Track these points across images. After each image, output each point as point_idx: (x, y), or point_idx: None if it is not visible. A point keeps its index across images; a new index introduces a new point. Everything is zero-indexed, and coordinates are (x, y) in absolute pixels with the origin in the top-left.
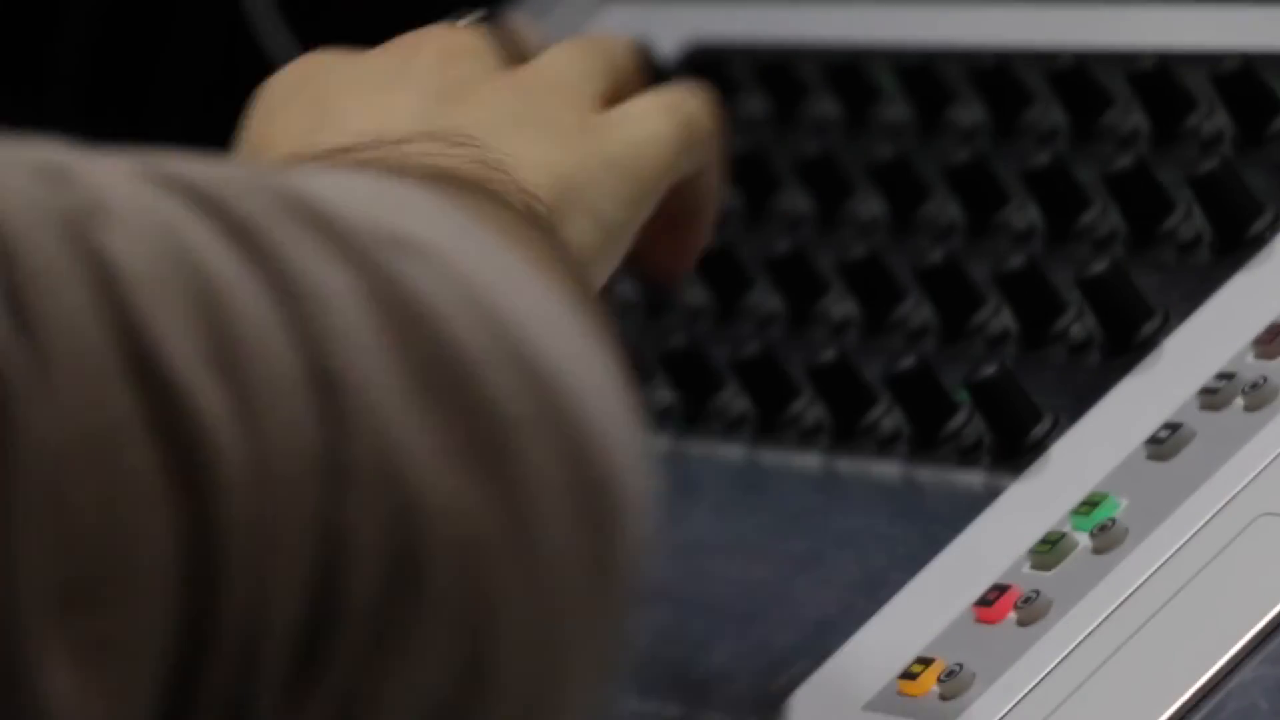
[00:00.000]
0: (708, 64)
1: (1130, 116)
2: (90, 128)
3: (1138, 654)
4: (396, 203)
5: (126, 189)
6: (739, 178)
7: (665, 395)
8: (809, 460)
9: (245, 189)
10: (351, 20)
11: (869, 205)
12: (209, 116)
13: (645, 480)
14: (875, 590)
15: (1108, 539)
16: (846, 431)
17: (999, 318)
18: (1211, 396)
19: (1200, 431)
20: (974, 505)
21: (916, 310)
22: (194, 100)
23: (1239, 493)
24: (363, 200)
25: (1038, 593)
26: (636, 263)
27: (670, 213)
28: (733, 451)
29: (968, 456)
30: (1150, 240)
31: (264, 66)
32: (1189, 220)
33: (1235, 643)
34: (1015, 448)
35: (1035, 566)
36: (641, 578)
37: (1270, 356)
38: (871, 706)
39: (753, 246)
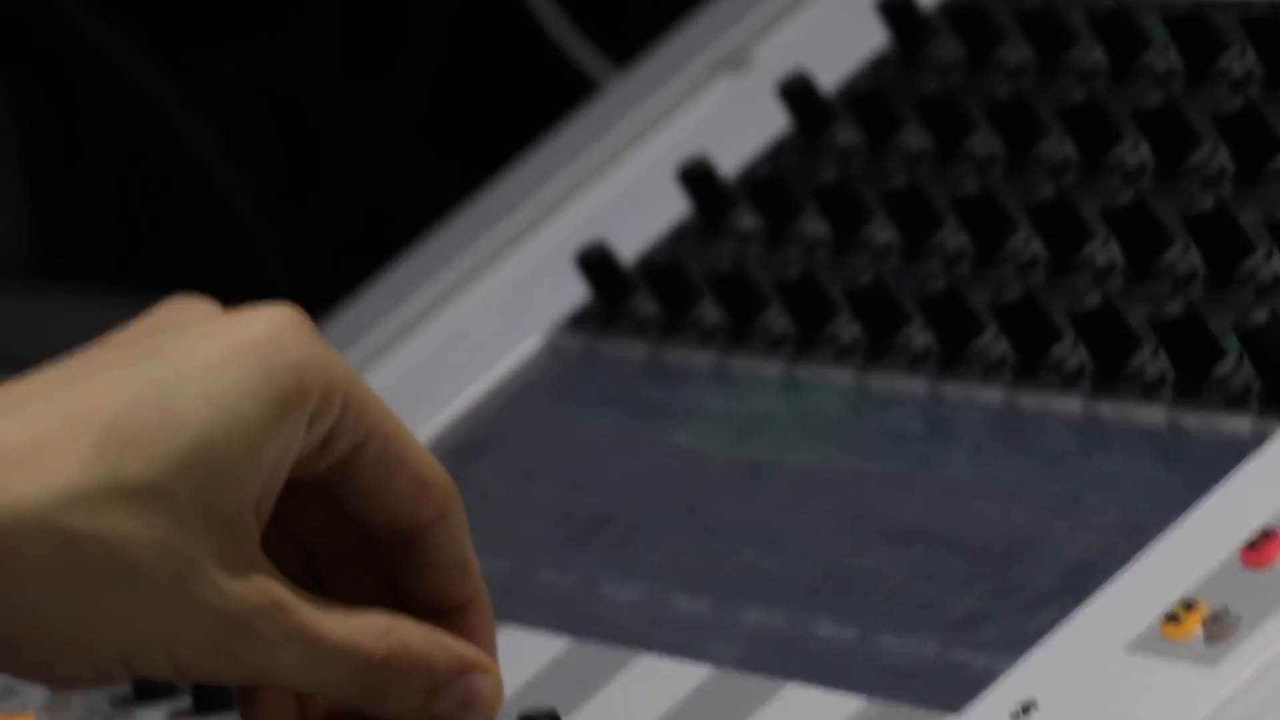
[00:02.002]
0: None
1: None
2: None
3: None
4: None
5: None
6: (1003, 125)
7: (923, 338)
8: (1070, 404)
9: None
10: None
11: (1137, 153)
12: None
13: None
14: (1137, 534)
15: None
16: (1110, 376)
17: (1270, 265)
18: None
19: None
20: (1240, 451)
21: (1184, 257)
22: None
23: None
24: None
25: None
26: None
27: None
28: (992, 394)
29: (1235, 402)
30: None
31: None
32: None
33: None
34: None
35: None
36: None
37: None
38: (1133, 648)
39: (1016, 191)
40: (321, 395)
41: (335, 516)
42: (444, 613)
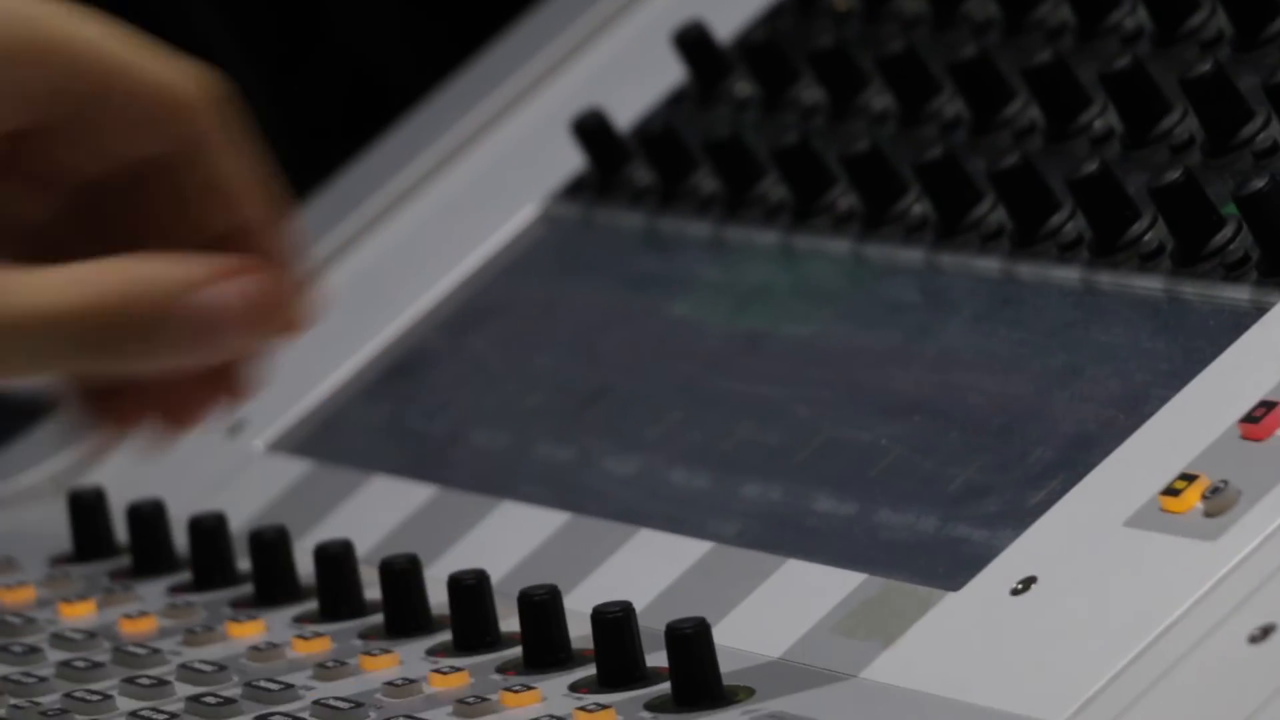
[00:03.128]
0: None
1: None
2: None
3: None
4: None
5: None
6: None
7: (920, 207)
8: (1068, 274)
9: None
10: None
11: (1134, 17)
12: None
13: None
14: (1136, 406)
15: None
16: (1108, 246)
17: (1268, 131)
18: None
19: None
20: (1240, 321)
21: (1182, 123)
22: None
23: None
24: None
25: None
26: None
27: None
28: (989, 264)
29: (1234, 271)
30: None
31: None
32: None
33: None
34: None
35: None
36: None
37: None
38: (1132, 523)
39: (1013, 56)
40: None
41: (88, 157)
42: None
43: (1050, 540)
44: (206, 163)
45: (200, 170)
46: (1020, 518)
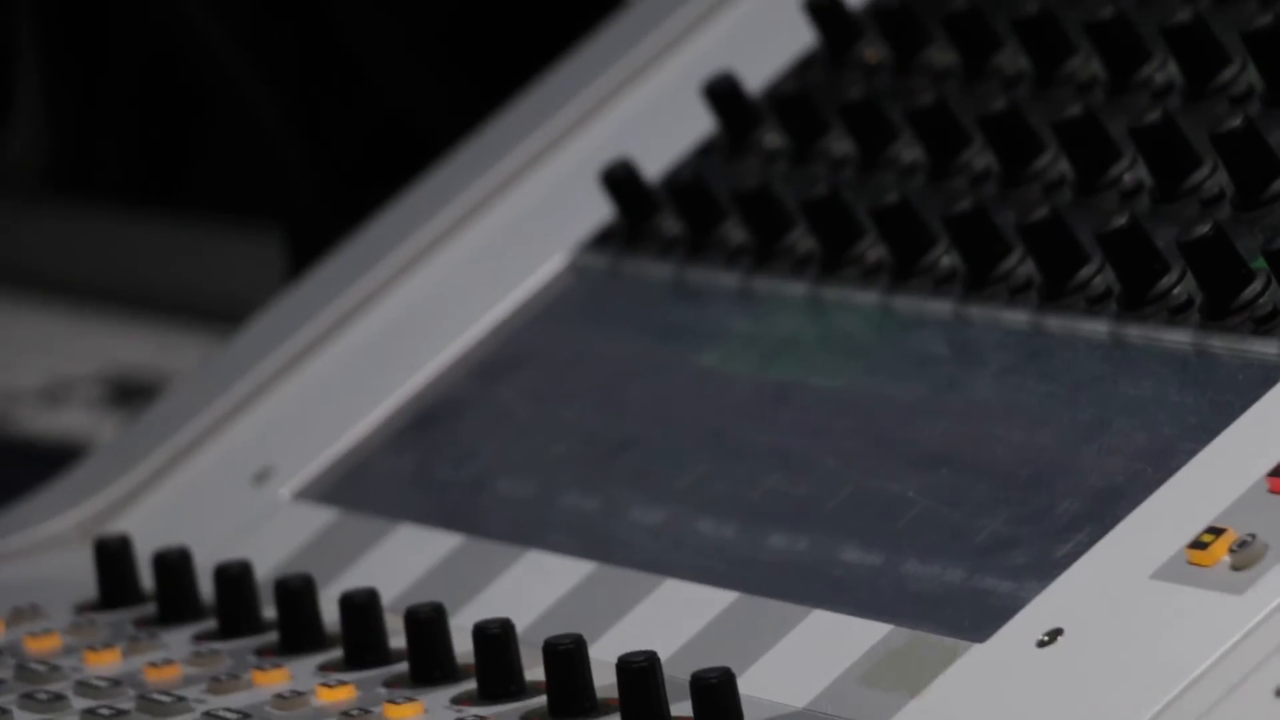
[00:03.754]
0: None
1: None
2: None
3: None
4: None
5: None
6: (1031, 43)
7: (949, 259)
8: (1097, 328)
9: None
10: None
11: (1165, 72)
12: None
13: None
14: (1164, 459)
15: None
16: (1136, 300)
17: None
18: None
19: None
20: (1268, 375)
21: (1212, 177)
22: None
23: None
24: None
25: None
26: None
27: None
28: (1018, 317)
29: (1263, 325)
30: None
31: None
32: None
33: None
34: None
35: None
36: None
37: None
38: (1159, 575)
39: (1043, 109)
40: None
41: None
42: None
43: (1077, 592)
44: None
45: None
46: (1047, 570)
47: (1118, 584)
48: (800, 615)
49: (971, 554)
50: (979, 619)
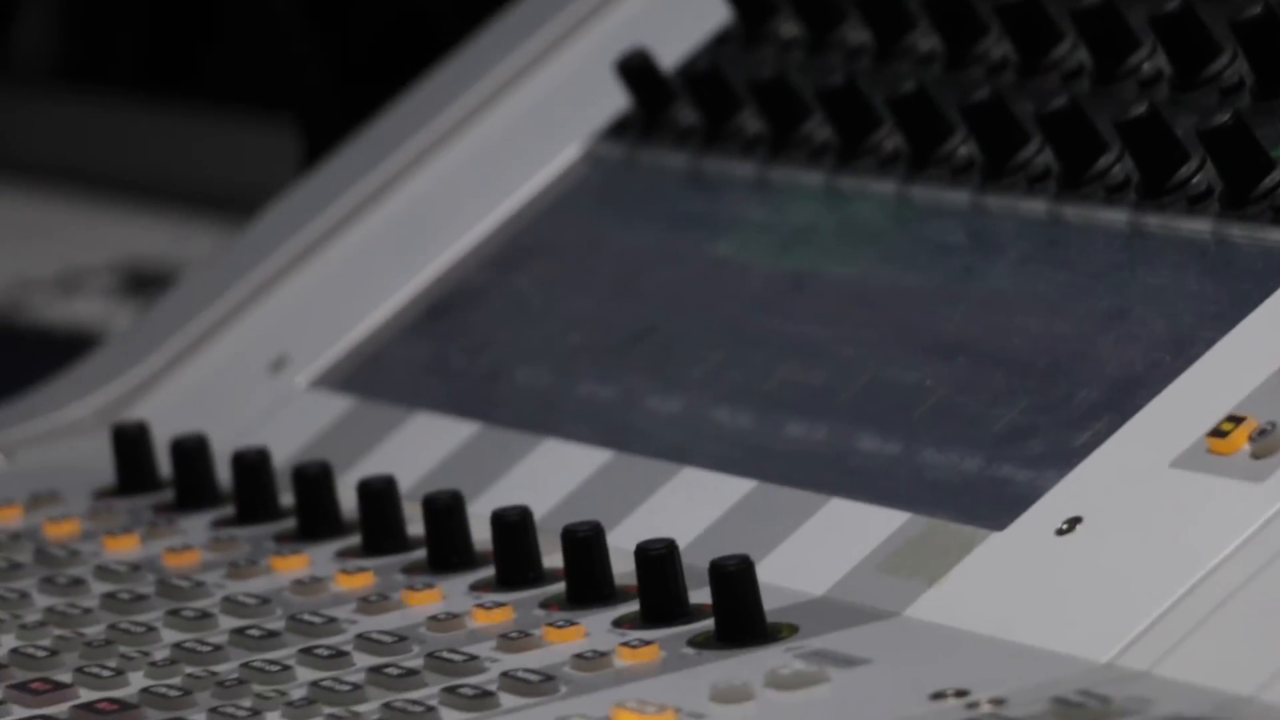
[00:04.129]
0: None
1: None
2: None
3: None
4: None
5: None
6: None
7: (967, 150)
8: (1115, 217)
9: None
10: None
11: None
12: None
13: None
14: (1183, 348)
15: None
16: (1155, 189)
17: None
18: None
19: None
20: None
21: (1233, 66)
22: None
23: None
24: None
25: None
26: None
27: None
28: (1035, 206)
29: None
30: None
31: None
32: None
33: None
34: None
35: None
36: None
37: None
38: (1179, 464)
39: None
40: None
41: None
42: None
43: (1096, 481)
44: None
45: None
46: (1066, 458)
47: (1137, 472)
48: (818, 503)
49: (990, 442)
50: (997, 507)
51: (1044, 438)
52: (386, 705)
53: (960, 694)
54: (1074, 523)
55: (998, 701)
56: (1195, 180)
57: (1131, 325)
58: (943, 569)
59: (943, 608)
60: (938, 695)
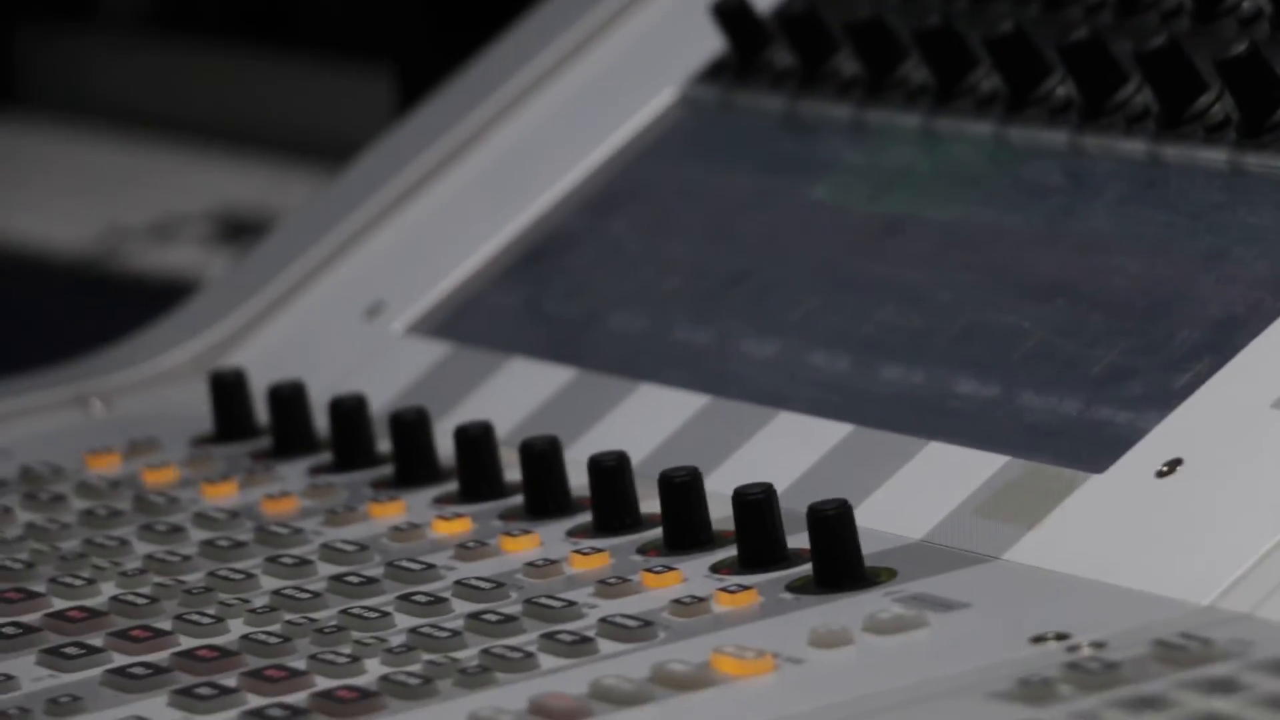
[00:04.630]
0: None
1: None
2: None
3: None
4: None
5: None
6: None
7: (1065, 90)
8: (1215, 156)
9: None
10: None
11: None
12: None
13: None
14: None
15: None
16: (1256, 128)
17: None
18: None
19: None
20: None
21: None
22: None
23: None
24: None
25: None
26: None
27: None
28: (1134, 147)
29: None
30: None
31: None
32: None
33: None
34: None
35: None
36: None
37: None
38: None
39: None
40: None
41: None
42: None
43: (1196, 422)
44: None
45: None
46: (1166, 400)
47: (1237, 413)
48: (916, 447)
49: (1089, 385)
50: (1097, 450)
51: (1144, 379)
52: (485, 651)
53: (1060, 637)
54: (1174, 464)
55: (1098, 644)
56: None
57: (1231, 265)
58: (1042, 512)
59: (1042, 551)
60: (1038, 638)
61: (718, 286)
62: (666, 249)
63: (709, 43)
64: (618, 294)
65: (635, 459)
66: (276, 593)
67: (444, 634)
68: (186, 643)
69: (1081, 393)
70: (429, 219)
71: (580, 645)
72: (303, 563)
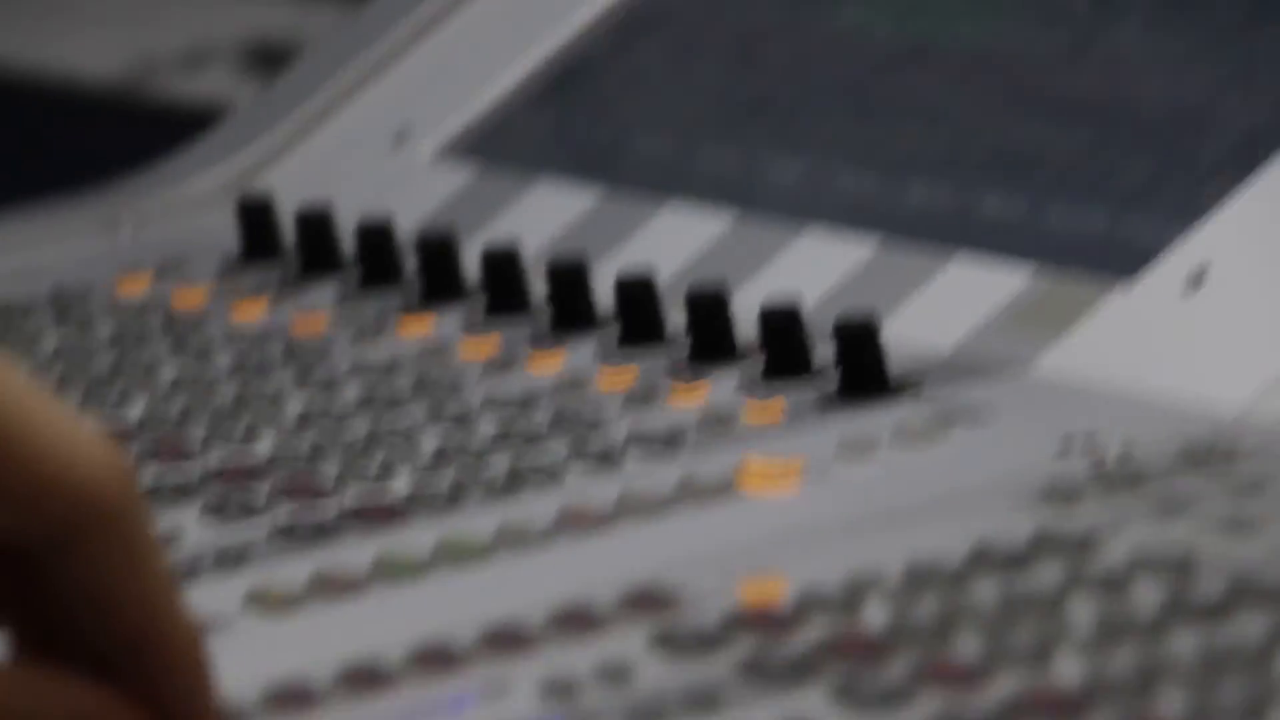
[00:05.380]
0: None
1: None
2: None
3: None
4: None
5: None
6: None
7: None
8: None
9: None
10: None
11: None
12: None
13: None
14: None
15: None
16: None
17: None
18: None
19: None
20: None
21: None
22: None
23: None
24: None
25: None
26: None
27: None
28: None
29: None
30: None
31: None
32: None
33: None
34: None
35: None
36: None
37: None
38: None
39: None
40: None
41: None
42: (111, 663)
43: (1224, 234)
44: (83, 560)
45: (75, 569)
46: (1193, 212)
47: (1265, 226)
48: (943, 260)
49: (1116, 198)
50: (1125, 261)
51: (1171, 192)
52: (513, 466)
53: (1087, 446)
54: (1202, 275)
55: (1125, 452)
56: None
57: (1259, 83)
58: (1070, 323)
59: (1070, 362)
60: (1064, 448)
61: (744, 109)
62: (693, 72)
63: None
64: (644, 116)
65: (663, 277)
66: (305, 415)
67: (472, 450)
68: (216, 460)
69: (1109, 206)
70: (457, 43)
71: (608, 458)
72: (332, 382)
